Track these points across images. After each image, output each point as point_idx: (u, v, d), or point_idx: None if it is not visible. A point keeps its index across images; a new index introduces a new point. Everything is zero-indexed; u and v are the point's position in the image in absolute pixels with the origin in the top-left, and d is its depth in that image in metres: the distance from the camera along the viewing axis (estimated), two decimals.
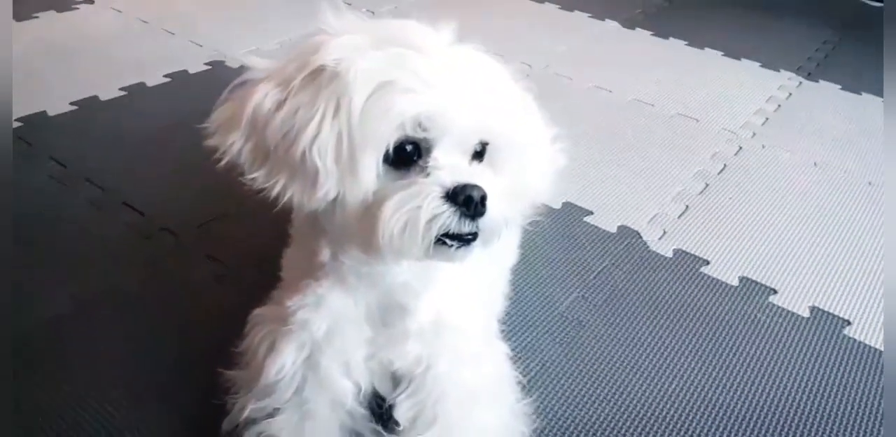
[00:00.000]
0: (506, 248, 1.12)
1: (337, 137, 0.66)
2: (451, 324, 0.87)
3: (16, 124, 1.61)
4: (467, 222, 0.67)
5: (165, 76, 1.87)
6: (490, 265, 0.99)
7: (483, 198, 0.67)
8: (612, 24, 2.42)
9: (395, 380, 0.89)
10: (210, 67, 1.92)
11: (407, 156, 0.69)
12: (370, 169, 0.67)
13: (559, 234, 1.37)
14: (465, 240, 0.69)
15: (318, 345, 0.85)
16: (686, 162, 1.65)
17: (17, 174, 1.44)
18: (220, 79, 1.80)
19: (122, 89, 1.80)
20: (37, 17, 2.18)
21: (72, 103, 1.72)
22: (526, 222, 1.32)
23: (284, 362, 0.85)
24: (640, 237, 1.38)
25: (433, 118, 0.66)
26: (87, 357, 1.06)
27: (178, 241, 1.30)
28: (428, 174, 0.68)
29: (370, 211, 0.68)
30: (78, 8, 2.26)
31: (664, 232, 1.40)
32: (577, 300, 1.21)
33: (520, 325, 1.14)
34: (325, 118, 0.65)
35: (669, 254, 1.34)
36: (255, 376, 0.89)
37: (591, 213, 1.44)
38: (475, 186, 0.67)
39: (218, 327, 1.04)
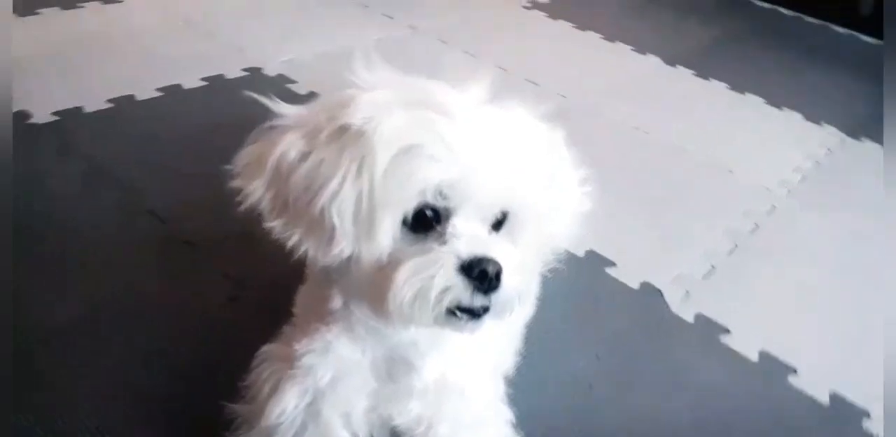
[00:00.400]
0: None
1: (357, 197, 0.66)
2: (456, 386, 0.87)
3: (51, 118, 1.61)
4: (480, 296, 0.67)
5: (202, 79, 1.86)
6: (503, 327, 0.96)
7: (498, 273, 0.67)
8: (653, 60, 2.39)
9: (395, 436, 0.88)
10: (247, 74, 1.92)
11: (426, 221, 0.69)
12: (387, 232, 0.67)
13: (579, 286, 1.33)
14: (476, 314, 0.69)
15: (321, 392, 0.84)
16: (717, 217, 1.62)
17: (45, 170, 1.45)
18: (256, 87, 1.77)
19: (158, 90, 1.79)
20: (82, 6, 2.18)
21: (108, 101, 1.71)
22: (545, 269, 1.30)
23: (286, 406, 0.85)
24: (662, 297, 1.35)
25: (455, 187, 0.66)
26: (86, 370, 1.05)
27: (197, 255, 1.28)
28: (445, 242, 0.68)
29: (383, 273, 0.68)
30: (122, 1, 2.26)
31: (687, 293, 1.37)
32: (591, 362, 1.18)
33: (529, 385, 1.10)
34: (348, 177, 0.66)
35: (690, 319, 1.31)
36: (257, 414, 0.88)
37: (614, 264, 1.41)
38: (491, 261, 0.67)
39: (224, 351, 1.03)
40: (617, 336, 1.24)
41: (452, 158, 0.66)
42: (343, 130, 0.67)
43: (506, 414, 0.92)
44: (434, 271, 0.66)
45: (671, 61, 2.38)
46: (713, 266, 1.46)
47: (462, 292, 0.67)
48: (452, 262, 0.67)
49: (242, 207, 0.72)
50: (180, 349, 1.10)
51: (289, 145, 0.69)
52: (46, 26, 2.03)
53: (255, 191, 0.71)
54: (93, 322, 1.13)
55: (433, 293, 0.66)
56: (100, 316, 1.14)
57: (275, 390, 0.86)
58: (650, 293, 1.36)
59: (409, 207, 0.67)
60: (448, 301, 0.67)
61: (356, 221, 0.67)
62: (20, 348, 1.02)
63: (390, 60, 0.74)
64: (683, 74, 2.32)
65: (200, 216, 1.37)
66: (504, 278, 0.68)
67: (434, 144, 0.65)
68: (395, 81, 0.73)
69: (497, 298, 0.69)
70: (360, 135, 0.66)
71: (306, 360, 0.84)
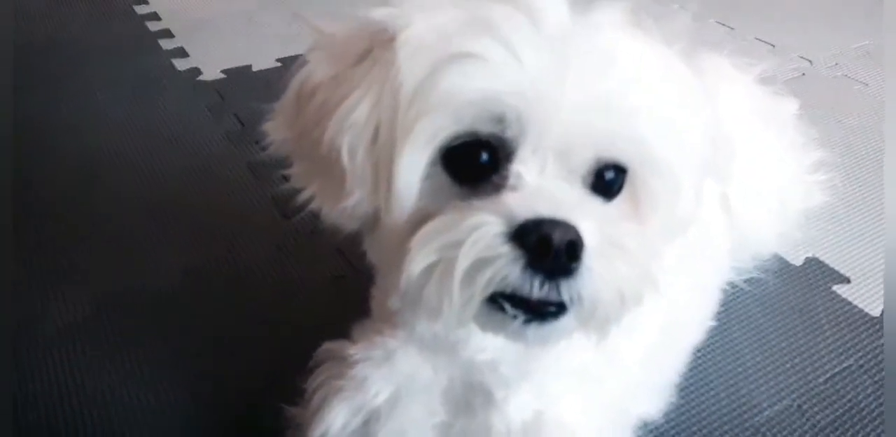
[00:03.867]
0: (687, 323, 0.79)
1: (375, 125, 0.47)
2: (554, 434, 0.62)
3: (219, 76, 1.58)
4: (541, 280, 0.43)
5: None
6: (634, 347, 0.67)
7: (573, 246, 0.42)
8: None
9: None
10: None
11: (477, 166, 0.47)
12: (411, 176, 0.47)
13: (788, 304, 0.98)
14: (540, 311, 0.44)
15: (376, 414, 0.66)
16: None
17: (199, 127, 1.41)
18: None
19: None
20: None
21: (277, 60, 1.63)
22: (741, 279, 0.97)
23: (331, 425, 0.68)
24: None
25: (515, 104, 0.44)
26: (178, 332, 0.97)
27: (316, 227, 1.13)
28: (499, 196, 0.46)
29: (402, 242, 0.46)
30: None
31: None
32: (787, 411, 0.84)
33: (686, 435, 0.81)
34: (364, 98, 0.47)
35: None
36: (304, 428, 0.72)
37: (847, 281, 1.03)
38: (560, 225, 0.43)
39: (310, 334, 0.88)
40: (835, 382, 0.88)
41: (518, 66, 0.44)
42: (376, 40, 0.49)
43: None
44: (463, 234, 0.43)
45: None
46: None
47: (509, 269, 0.42)
48: (495, 223, 0.43)
49: (265, 153, 0.57)
50: (262, 321, 0.98)
51: (313, 68, 0.52)
52: None
53: (276, 129, 0.55)
54: (188, 284, 1.05)
55: (459, 268, 0.42)
56: (195, 277, 1.06)
57: (323, 402, 0.69)
58: None
59: (442, 134, 0.46)
60: (486, 283, 0.43)
61: (371, 159, 0.48)
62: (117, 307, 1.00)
63: None
64: None
65: None
66: (588, 257, 0.43)
67: (493, 48, 0.44)
68: None
69: (575, 288, 0.43)
70: (390, 42, 0.47)
71: (360, 370, 0.66)
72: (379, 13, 0.49)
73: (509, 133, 0.46)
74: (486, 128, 0.46)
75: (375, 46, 0.48)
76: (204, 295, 1.03)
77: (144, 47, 1.68)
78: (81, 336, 0.95)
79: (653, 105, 0.47)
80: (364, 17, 0.50)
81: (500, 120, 0.45)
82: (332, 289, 1.03)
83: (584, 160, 0.47)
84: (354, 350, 0.67)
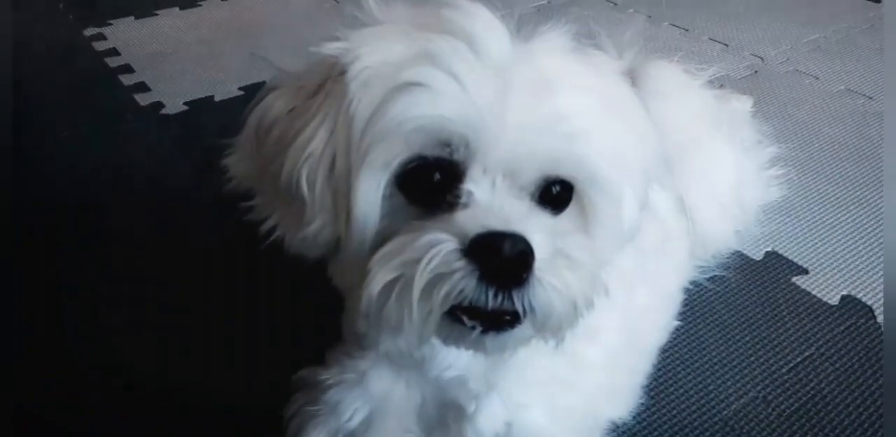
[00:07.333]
0: (649, 325, 0.81)
1: (332, 155, 0.50)
2: None
3: (182, 109, 1.57)
4: (495, 292, 0.46)
5: None
6: (597, 351, 0.69)
7: (524, 257, 0.45)
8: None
9: None
10: None
11: (433, 187, 0.50)
12: (369, 200, 0.50)
13: (751, 299, 1.01)
14: (496, 321, 0.48)
15: None
16: None
17: (166, 161, 1.41)
18: None
19: None
20: None
21: (240, 88, 1.63)
22: (703, 277, 1.00)
23: None
24: (874, 318, 0.98)
25: (460, 130, 0.48)
26: None
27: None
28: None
29: (363, 264, 0.49)
30: None
31: None
32: (753, 403, 0.87)
33: (657, 433, 0.83)
34: (320, 129, 0.51)
35: None
36: None
37: (805, 272, 1.06)
38: (510, 237, 0.45)
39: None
40: (798, 370, 0.91)
41: (461, 93, 0.47)
42: (329, 74, 0.52)
43: None
44: (419, 253, 0.46)
45: None
46: None
47: (465, 282, 0.45)
48: (449, 240, 0.46)
49: (227, 187, 0.60)
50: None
51: (271, 103, 0.55)
52: (203, 17, 2.00)
53: (236, 163, 0.59)
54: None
55: (416, 286, 0.45)
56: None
57: (299, 430, 0.71)
58: (856, 312, 0.99)
59: (395, 160, 0.49)
60: (443, 297, 0.45)
61: (330, 187, 0.51)
62: None
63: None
64: None
65: None
66: (538, 268, 0.46)
67: (438, 77, 0.47)
68: (417, 14, 0.54)
69: (527, 297, 0.46)
70: (341, 75, 0.51)
71: (332, 394, 0.69)
72: (330, 48, 0.52)
73: (457, 156, 0.49)
74: (434, 152, 0.49)
75: (328, 80, 0.51)
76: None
77: (105, 84, 1.67)
78: None
79: (592, 126, 0.50)
80: (317, 52, 0.53)
81: (447, 145, 0.48)
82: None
83: (531, 178, 0.50)
84: (327, 375, 0.70)
